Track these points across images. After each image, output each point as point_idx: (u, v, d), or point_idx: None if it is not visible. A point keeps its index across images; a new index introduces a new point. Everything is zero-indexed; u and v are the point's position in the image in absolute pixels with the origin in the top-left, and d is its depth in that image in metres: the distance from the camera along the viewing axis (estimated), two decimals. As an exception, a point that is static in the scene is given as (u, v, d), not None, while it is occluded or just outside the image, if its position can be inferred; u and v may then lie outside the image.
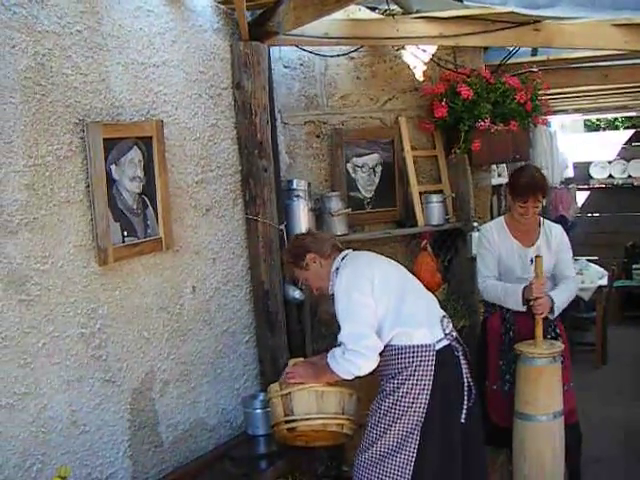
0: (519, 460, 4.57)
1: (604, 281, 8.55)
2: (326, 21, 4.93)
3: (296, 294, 4.96)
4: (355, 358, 3.67)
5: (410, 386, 3.66)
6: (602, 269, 9.04)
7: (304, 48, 5.44)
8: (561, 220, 8.21)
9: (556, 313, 4.71)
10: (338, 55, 5.63)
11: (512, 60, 6.30)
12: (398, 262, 3.98)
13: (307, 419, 3.88)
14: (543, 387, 4.47)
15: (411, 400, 3.65)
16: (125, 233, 3.80)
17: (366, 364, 3.68)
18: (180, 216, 4.21)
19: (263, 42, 4.68)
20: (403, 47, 5.75)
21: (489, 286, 4.85)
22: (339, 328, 3.79)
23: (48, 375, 3.43)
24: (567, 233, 5.03)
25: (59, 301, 3.47)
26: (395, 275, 3.92)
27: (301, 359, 4.20)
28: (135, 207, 3.86)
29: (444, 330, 3.81)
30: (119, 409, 3.82)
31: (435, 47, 5.80)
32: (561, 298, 4.71)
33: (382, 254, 4.23)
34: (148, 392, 4.01)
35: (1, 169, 3.17)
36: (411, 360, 3.68)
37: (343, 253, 4.02)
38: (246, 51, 4.57)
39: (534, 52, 6.74)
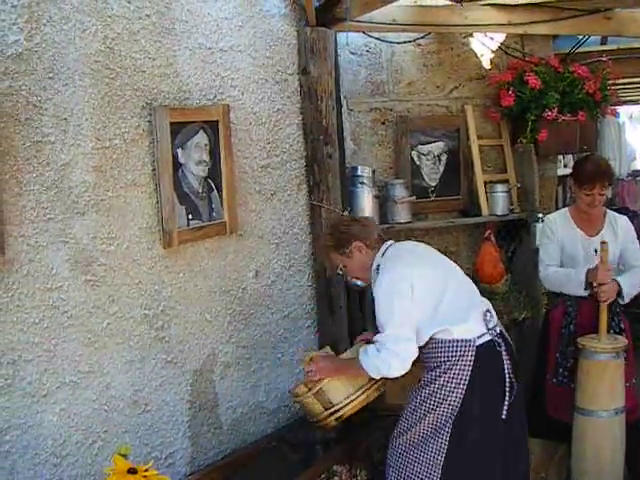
0: (578, 456, 4.51)
1: (671, 276, 8.38)
2: (393, 7, 4.92)
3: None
4: (391, 358, 3.63)
5: (447, 379, 3.63)
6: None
7: (371, 34, 5.42)
8: (624, 211, 8.05)
9: (626, 298, 4.62)
10: (405, 42, 5.59)
11: (581, 49, 6.18)
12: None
13: (350, 402, 3.85)
14: (605, 383, 4.40)
15: (447, 393, 3.62)
16: (190, 216, 3.83)
17: (399, 367, 3.64)
18: (244, 200, 4.23)
19: (330, 28, 4.67)
20: (471, 34, 5.71)
21: (550, 273, 4.78)
22: (376, 327, 3.77)
23: (111, 355, 3.48)
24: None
25: (124, 282, 3.52)
26: (436, 274, 3.81)
27: (315, 353, 4.14)
28: (200, 191, 3.89)
29: (487, 325, 3.74)
30: (180, 390, 3.87)
31: (503, 35, 5.74)
32: (629, 282, 4.62)
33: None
34: (209, 374, 4.05)
35: (70, 151, 3.22)
36: (450, 354, 3.64)
37: (384, 246, 3.90)
38: (313, 37, 4.56)
39: (604, 41, 6.64)
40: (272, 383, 4.49)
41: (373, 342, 3.74)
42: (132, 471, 2.79)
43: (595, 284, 4.48)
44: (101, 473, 3.17)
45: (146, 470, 2.82)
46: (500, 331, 3.81)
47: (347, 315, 4.88)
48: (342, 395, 3.86)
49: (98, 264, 3.38)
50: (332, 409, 3.87)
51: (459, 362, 3.62)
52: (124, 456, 2.86)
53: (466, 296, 3.85)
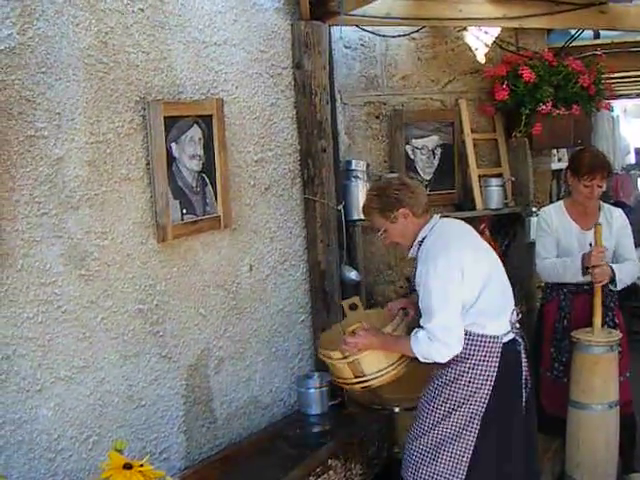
0: (572, 449, 4.52)
1: (665, 270, 8.39)
2: (388, 1, 4.92)
3: (352, 275, 4.96)
4: (443, 348, 3.51)
5: (473, 375, 3.57)
6: (663, 258, 8.85)
7: (365, 28, 5.41)
8: (619, 205, 8.05)
9: (619, 285, 4.61)
10: (399, 36, 5.58)
11: (575, 43, 6.19)
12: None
13: (381, 375, 3.78)
14: (599, 376, 4.41)
15: (473, 390, 3.57)
16: (184, 211, 3.82)
17: (448, 355, 3.54)
18: (239, 195, 4.23)
19: (324, 22, 4.67)
20: (465, 28, 5.70)
21: (547, 264, 4.77)
22: (419, 314, 3.66)
23: (106, 349, 3.48)
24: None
25: (118, 277, 3.51)
26: (483, 262, 3.68)
27: (358, 324, 3.84)
28: (194, 185, 3.88)
29: (511, 322, 3.68)
30: (174, 385, 3.87)
31: (498, 29, 5.74)
32: (623, 271, 4.60)
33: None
34: (203, 369, 4.05)
35: (64, 145, 3.21)
36: (478, 349, 3.57)
37: (433, 220, 3.76)
38: (307, 31, 4.55)
39: (596, 35, 6.64)
40: (266, 377, 4.49)
41: (420, 326, 3.61)
42: (127, 466, 2.79)
43: (589, 266, 4.47)
44: (96, 468, 3.17)
45: (141, 465, 2.82)
46: (519, 328, 3.75)
47: (342, 309, 4.87)
48: (375, 367, 3.77)
49: (92, 259, 3.38)
50: (363, 378, 3.80)
51: (486, 358, 3.57)
52: (120, 451, 2.86)
53: (504, 292, 3.75)
